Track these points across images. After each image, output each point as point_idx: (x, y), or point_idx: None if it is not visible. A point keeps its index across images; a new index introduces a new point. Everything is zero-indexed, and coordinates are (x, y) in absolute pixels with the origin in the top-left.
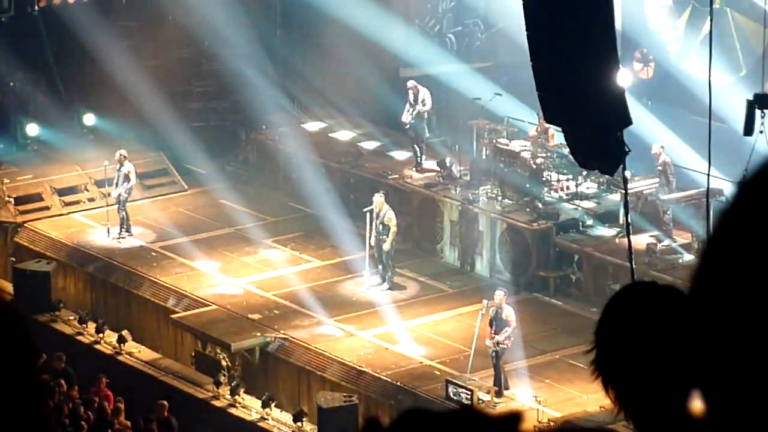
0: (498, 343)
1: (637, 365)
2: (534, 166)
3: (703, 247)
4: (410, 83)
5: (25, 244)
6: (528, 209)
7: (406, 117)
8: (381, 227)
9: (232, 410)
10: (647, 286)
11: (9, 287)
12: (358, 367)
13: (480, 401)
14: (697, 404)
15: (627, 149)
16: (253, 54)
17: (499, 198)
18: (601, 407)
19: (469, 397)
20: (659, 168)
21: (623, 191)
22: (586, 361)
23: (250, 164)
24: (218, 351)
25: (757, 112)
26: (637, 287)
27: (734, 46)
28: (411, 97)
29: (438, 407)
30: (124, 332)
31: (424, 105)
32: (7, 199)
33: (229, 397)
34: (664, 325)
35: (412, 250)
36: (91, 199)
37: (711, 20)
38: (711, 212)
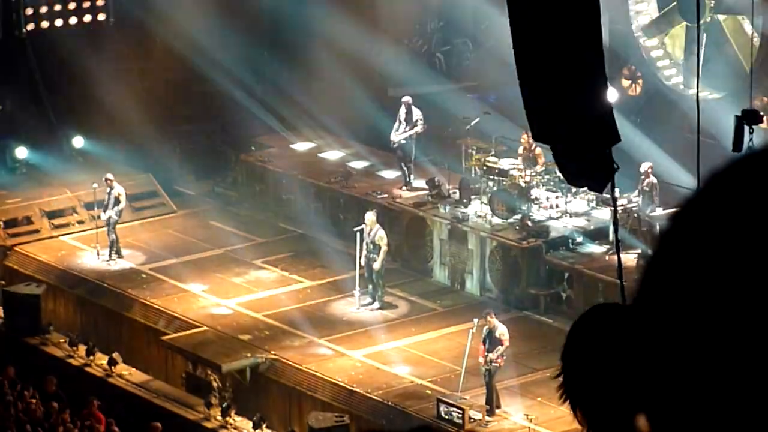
0: (491, 362)
1: (602, 387)
2: (523, 184)
3: (650, 254)
4: (406, 98)
5: (15, 267)
6: (517, 227)
7: (395, 136)
8: (371, 246)
9: (224, 431)
10: (610, 308)
11: None
12: (349, 387)
13: (471, 420)
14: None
15: (616, 166)
16: (241, 75)
17: (489, 216)
18: None
19: (460, 415)
20: (645, 188)
21: (612, 208)
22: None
23: (240, 185)
24: (209, 372)
25: (746, 128)
26: (599, 310)
27: (723, 62)
28: (403, 113)
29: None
30: (115, 354)
31: (417, 126)
32: None
33: (220, 418)
34: (627, 347)
35: (401, 269)
36: (80, 222)
37: (698, 36)
38: None
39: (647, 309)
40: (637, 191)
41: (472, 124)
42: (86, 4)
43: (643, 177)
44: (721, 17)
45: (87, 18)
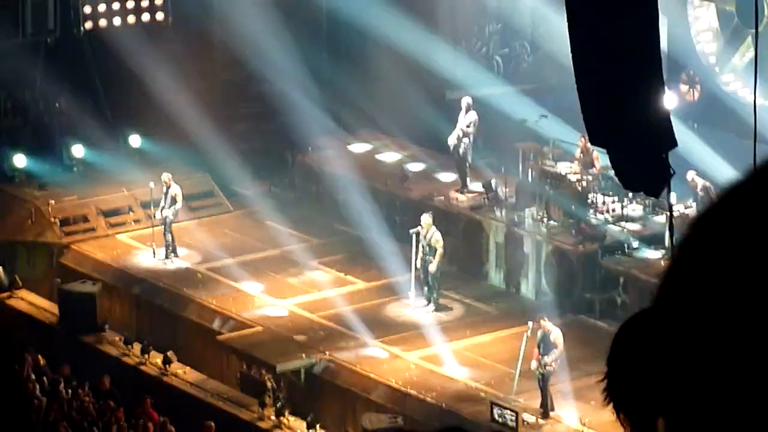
0: (545, 366)
1: (641, 391)
2: (580, 189)
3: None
4: (468, 99)
5: (71, 265)
6: (573, 231)
7: (452, 140)
8: (427, 249)
9: (277, 431)
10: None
11: (55, 308)
12: (404, 389)
13: (525, 423)
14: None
15: (672, 171)
16: (300, 76)
17: (545, 220)
18: None
19: (514, 419)
20: (701, 193)
21: (669, 213)
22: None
23: (296, 186)
24: (263, 372)
25: None
26: (646, 313)
27: None
28: (462, 115)
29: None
30: (170, 353)
31: (470, 128)
32: (53, 220)
33: (274, 418)
34: (653, 351)
35: (457, 272)
36: (136, 221)
37: (756, 41)
38: None
39: (663, 314)
40: (692, 198)
41: (531, 121)
42: (145, 4)
43: (692, 185)
44: None
45: (145, 17)
